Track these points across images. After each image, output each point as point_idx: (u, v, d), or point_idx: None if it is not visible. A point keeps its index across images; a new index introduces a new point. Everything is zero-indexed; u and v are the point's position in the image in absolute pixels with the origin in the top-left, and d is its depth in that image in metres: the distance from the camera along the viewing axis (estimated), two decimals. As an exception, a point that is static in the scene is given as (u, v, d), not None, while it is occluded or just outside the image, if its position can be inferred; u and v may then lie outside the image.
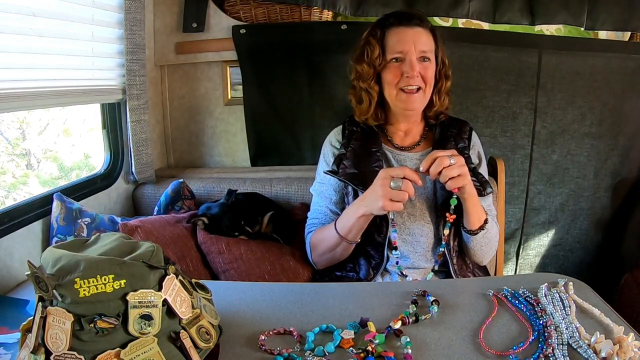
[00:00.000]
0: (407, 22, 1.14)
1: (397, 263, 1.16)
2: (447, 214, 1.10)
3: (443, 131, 1.25)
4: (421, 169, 1.01)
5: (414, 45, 1.12)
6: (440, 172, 1.00)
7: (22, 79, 1.20)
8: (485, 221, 1.12)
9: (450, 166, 0.99)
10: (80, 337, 0.59)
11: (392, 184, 1.00)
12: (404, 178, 1.00)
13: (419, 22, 1.15)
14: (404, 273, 1.16)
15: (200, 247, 1.35)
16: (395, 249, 1.16)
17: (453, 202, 1.07)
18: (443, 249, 1.14)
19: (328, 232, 1.16)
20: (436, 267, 1.16)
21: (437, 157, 1.00)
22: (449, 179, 1.00)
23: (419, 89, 1.14)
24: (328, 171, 1.20)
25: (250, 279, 1.27)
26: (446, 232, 1.12)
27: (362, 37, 1.20)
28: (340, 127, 1.30)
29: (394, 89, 1.15)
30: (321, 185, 1.27)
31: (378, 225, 1.15)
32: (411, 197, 1.01)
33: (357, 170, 1.17)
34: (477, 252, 1.17)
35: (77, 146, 2.94)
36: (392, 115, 1.23)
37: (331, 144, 1.28)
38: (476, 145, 1.27)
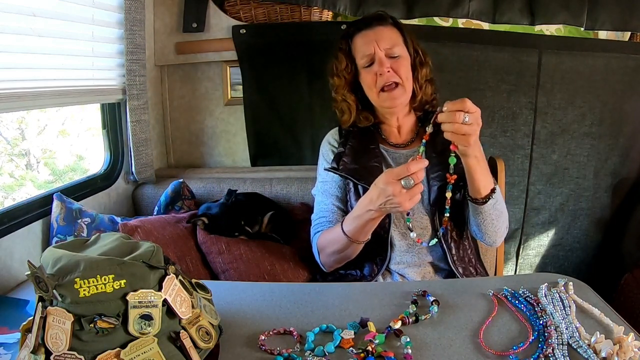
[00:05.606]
0: (367, 25, 1.18)
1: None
2: (447, 175, 1.00)
3: (437, 128, 1.23)
4: (444, 108, 0.92)
5: (377, 44, 1.15)
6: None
7: (22, 79, 1.20)
8: (493, 190, 1.06)
9: (461, 123, 0.90)
10: (80, 337, 0.59)
11: (403, 183, 0.94)
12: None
13: (379, 22, 1.18)
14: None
15: (200, 247, 1.36)
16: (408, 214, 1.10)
17: (452, 161, 0.98)
18: (447, 214, 1.06)
19: (336, 235, 1.12)
20: (440, 234, 1.12)
21: (456, 111, 0.90)
22: (450, 132, 0.92)
23: (397, 84, 1.15)
24: (329, 167, 1.20)
25: (250, 279, 1.27)
26: (448, 194, 1.03)
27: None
28: (337, 128, 1.32)
29: (374, 91, 1.17)
30: (324, 184, 1.26)
31: (380, 222, 1.14)
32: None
33: (358, 165, 1.17)
34: (489, 226, 1.09)
35: (74, 146, 2.94)
36: (380, 115, 1.26)
37: (329, 144, 1.29)
38: None
